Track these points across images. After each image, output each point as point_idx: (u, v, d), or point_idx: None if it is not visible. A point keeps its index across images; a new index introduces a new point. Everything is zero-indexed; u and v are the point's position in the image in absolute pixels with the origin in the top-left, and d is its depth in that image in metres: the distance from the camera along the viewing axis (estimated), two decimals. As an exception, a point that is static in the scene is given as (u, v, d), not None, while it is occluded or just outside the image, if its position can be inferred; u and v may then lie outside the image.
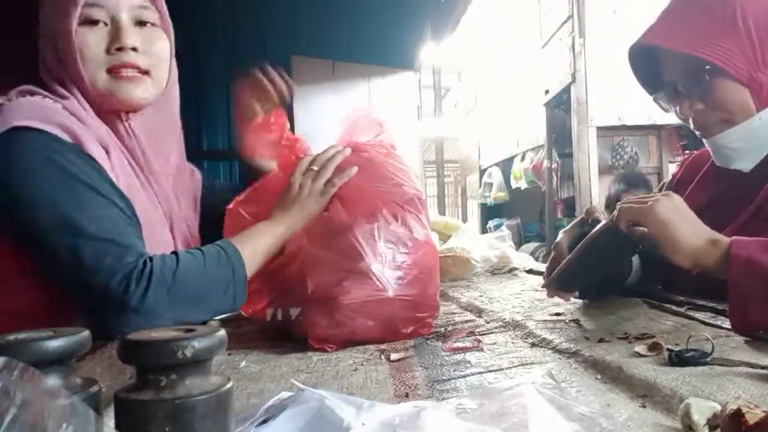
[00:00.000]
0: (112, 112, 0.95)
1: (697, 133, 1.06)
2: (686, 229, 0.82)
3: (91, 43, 0.91)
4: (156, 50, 0.96)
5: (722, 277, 0.77)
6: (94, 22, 0.91)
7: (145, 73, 0.95)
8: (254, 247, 0.92)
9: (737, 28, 0.93)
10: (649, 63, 1.09)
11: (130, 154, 0.97)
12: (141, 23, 0.95)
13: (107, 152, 0.91)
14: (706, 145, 1.06)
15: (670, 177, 1.29)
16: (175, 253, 0.86)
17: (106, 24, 0.92)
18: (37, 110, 0.86)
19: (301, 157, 0.99)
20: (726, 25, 0.94)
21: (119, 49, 0.91)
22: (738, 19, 0.93)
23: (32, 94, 0.90)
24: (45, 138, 0.84)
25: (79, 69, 0.90)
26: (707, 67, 0.94)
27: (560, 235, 1.07)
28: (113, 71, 0.92)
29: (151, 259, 0.83)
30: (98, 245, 0.81)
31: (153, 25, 0.97)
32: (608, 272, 1.01)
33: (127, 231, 0.86)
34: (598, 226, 0.94)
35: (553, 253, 1.06)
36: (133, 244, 0.85)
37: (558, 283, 0.99)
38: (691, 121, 1.04)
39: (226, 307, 0.91)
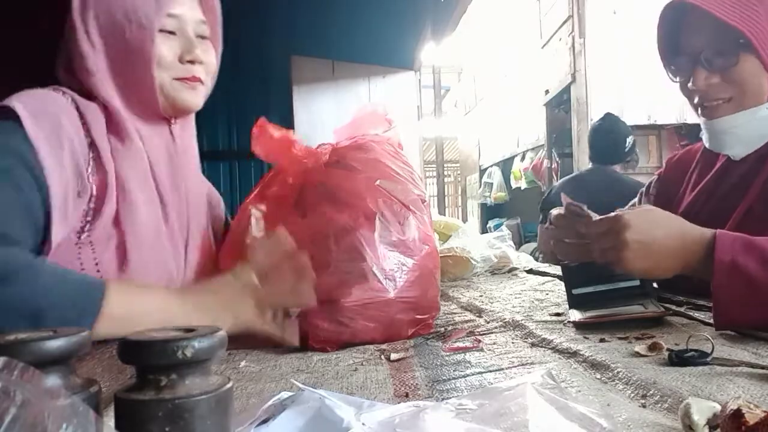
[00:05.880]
0: (163, 117, 1.00)
1: (699, 111, 1.04)
2: (661, 262, 0.81)
3: (167, 51, 0.96)
4: (209, 63, 1.02)
5: (707, 279, 0.78)
6: (170, 32, 0.97)
7: (202, 83, 1.01)
8: (140, 308, 0.79)
9: None
10: (671, 32, 1.06)
11: (169, 160, 1.00)
12: (200, 36, 1.01)
13: (98, 153, 0.90)
14: (703, 127, 1.05)
15: (655, 176, 1.28)
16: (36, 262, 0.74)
17: (175, 34, 0.98)
18: (27, 96, 0.87)
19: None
20: (765, 5, 0.94)
21: (190, 61, 0.98)
22: None
23: (62, 91, 0.92)
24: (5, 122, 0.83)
25: (152, 74, 0.94)
26: (741, 40, 0.94)
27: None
28: (182, 80, 0.98)
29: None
30: None
31: (206, 39, 1.03)
32: None
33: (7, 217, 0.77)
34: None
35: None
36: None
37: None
38: (698, 96, 1.02)
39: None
